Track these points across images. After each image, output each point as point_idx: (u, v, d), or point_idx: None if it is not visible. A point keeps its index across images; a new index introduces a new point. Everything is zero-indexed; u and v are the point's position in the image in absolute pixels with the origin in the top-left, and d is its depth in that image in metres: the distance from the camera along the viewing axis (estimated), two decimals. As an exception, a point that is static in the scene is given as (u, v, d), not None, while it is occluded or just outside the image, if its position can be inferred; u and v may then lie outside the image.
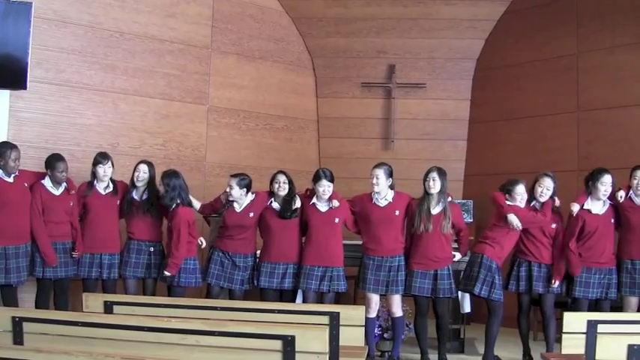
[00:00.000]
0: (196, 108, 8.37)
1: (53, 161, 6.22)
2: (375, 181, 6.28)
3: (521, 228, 6.22)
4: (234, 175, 6.48)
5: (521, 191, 6.29)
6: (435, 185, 6.21)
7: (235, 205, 6.47)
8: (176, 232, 6.22)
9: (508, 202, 6.27)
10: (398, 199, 6.35)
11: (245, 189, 6.43)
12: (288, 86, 9.20)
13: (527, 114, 8.74)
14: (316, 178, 6.37)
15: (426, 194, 6.26)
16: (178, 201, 6.34)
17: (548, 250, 6.38)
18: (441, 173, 6.25)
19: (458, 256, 6.45)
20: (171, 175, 6.40)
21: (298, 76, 9.31)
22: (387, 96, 9.26)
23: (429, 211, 6.20)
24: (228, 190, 6.45)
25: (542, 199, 6.32)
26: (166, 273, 6.22)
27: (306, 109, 9.36)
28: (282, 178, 6.44)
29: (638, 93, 7.83)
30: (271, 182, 6.52)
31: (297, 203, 6.40)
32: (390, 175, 6.33)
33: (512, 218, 6.16)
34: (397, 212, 6.31)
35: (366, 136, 9.32)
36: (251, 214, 6.47)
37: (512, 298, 6.45)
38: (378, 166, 6.35)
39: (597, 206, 6.31)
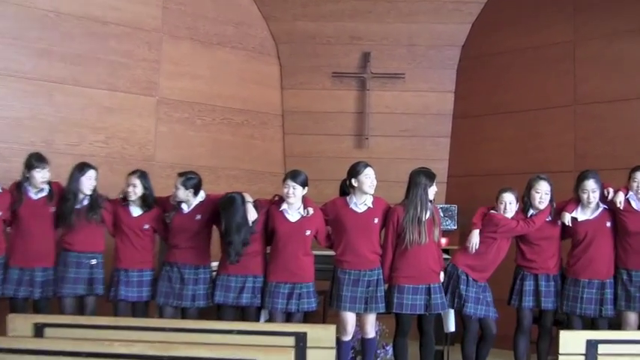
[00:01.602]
0: (144, 100, 8.32)
1: None
2: (371, 182, 6.15)
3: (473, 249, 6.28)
4: (180, 174, 6.43)
5: (506, 200, 6.25)
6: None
7: (183, 205, 6.41)
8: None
9: (494, 212, 6.28)
10: (377, 205, 6.24)
11: (192, 189, 6.37)
12: (249, 76, 9.19)
13: (518, 108, 8.79)
14: (284, 178, 6.28)
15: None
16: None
17: (555, 258, 6.34)
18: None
19: None
20: (146, 175, 6.55)
21: (261, 64, 9.31)
22: (361, 87, 9.29)
23: (420, 219, 6.12)
24: (174, 190, 6.40)
25: (543, 206, 6.28)
26: None
27: (270, 101, 9.36)
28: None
29: (640, 85, 7.92)
30: None
31: (252, 216, 6.20)
32: None
33: (472, 235, 6.29)
34: (376, 220, 6.20)
35: (337, 132, 9.33)
36: (198, 217, 6.38)
37: (501, 316, 6.40)
38: (367, 164, 6.22)
39: (586, 212, 6.28)
